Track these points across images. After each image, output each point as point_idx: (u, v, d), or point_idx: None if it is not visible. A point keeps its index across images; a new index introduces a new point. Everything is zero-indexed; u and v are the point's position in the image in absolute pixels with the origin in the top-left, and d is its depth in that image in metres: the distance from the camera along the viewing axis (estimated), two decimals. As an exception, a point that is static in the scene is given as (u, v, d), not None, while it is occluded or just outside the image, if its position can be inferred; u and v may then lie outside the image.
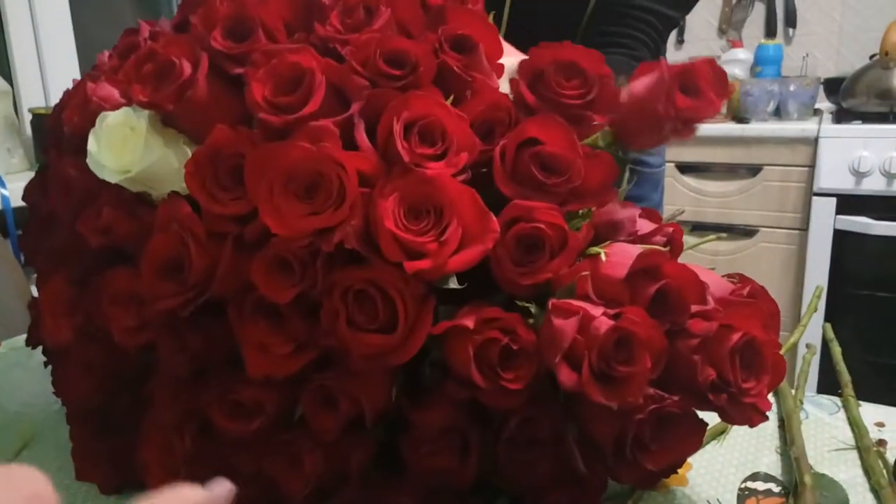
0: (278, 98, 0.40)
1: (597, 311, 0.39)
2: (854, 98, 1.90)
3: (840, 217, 1.84)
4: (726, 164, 2.04)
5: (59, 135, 0.56)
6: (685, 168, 2.12)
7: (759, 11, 2.54)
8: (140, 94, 0.45)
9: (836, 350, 0.72)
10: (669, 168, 2.09)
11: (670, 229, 0.48)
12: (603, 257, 0.42)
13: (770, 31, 2.49)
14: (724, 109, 2.29)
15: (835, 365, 0.70)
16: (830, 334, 0.76)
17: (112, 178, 0.46)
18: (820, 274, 1.87)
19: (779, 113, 2.08)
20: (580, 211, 0.45)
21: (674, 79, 0.43)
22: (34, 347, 0.57)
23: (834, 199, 1.84)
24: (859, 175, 1.79)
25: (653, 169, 1.26)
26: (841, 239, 1.84)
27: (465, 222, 0.39)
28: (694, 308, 0.42)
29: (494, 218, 0.39)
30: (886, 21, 2.03)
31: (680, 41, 2.67)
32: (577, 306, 0.39)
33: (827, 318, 1.91)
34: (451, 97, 0.44)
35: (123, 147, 0.47)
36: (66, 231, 0.52)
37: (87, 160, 0.48)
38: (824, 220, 1.86)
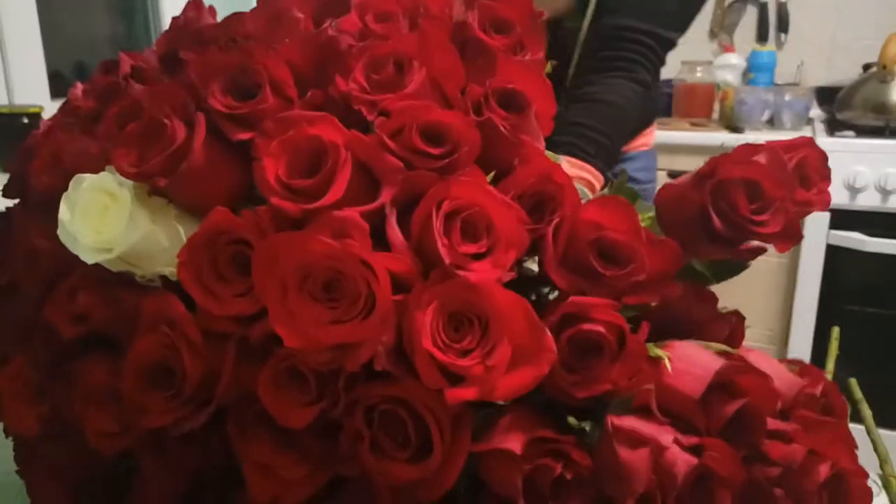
0: (295, 180, 0.34)
1: (666, 437, 0.34)
2: (850, 110, 1.87)
3: (833, 232, 1.81)
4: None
5: (23, 188, 0.49)
6: (677, 177, 2.08)
7: (751, 15, 2.50)
8: (124, 161, 0.38)
9: (868, 414, 0.68)
10: (661, 176, 2.05)
11: (733, 318, 0.43)
12: (667, 364, 0.36)
13: (762, 36, 2.45)
14: (716, 116, 2.25)
15: (867, 433, 0.65)
16: (859, 394, 0.71)
17: (89, 258, 0.39)
18: (811, 289, 1.85)
19: (772, 122, 2.05)
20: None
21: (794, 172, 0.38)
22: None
23: (828, 214, 1.81)
24: (854, 190, 1.77)
25: (642, 185, 1.21)
26: (833, 254, 1.81)
27: (516, 338, 0.33)
28: (770, 423, 0.37)
29: (549, 334, 0.33)
30: (880, 30, 2.00)
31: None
32: (644, 433, 0.34)
33: (816, 334, 1.89)
34: (493, 174, 0.38)
35: (102, 218, 0.40)
36: (30, 306, 0.44)
37: (59, 231, 0.41)
38: (817, 234, 1.83)
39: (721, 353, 0.39)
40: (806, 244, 1.87)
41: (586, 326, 0.35)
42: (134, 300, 0.39)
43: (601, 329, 0.35)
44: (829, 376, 0.72)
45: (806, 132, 1.98)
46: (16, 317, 0.48)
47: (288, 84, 0.40)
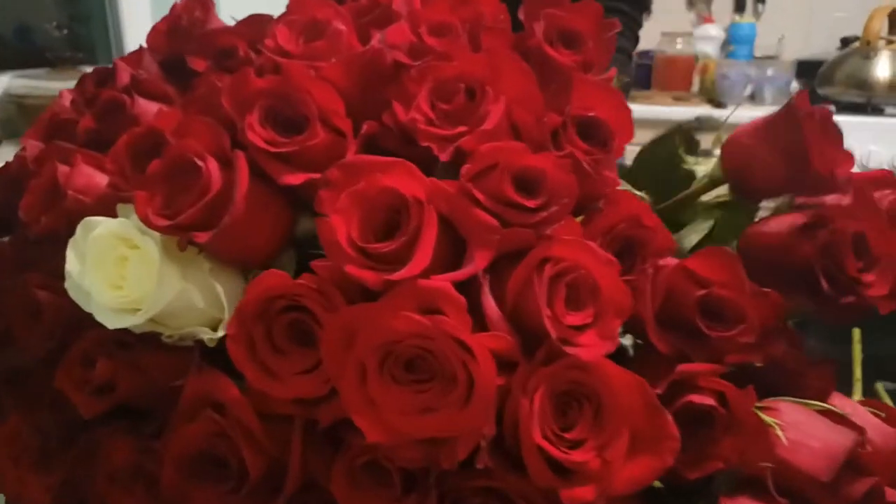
0: (372, 244, 0.28)
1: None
2: (831, 86, 1.86)
3: (814, 209, 1.82)
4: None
5: (9, 224, 0.42)
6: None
7: (728, -16, 2.46)
8: (148, 208, 0.32)
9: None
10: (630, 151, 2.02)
11: (825, 367, 0.40)
12: (780, 435, 0.33)
13: (739, 6, 2.42)
14: (695, 89, 2.23)
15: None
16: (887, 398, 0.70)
17: (110, 321, 0.33)
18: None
19: (753, 97, 2.03)
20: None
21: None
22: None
23: (810, 191, 1.81)
24: (836, 167, 1.77)
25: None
26: (814, 231, 1.82)
27: (633, 424, 0.29)
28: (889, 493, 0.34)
29: (670, 417, 0.29)
30: (858, 3, 1.99)
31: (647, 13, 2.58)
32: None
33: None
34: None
35: (120, 272, 0.34)
36: (31, 364, 0.38)
37: (67, 284, 0.35)
38: (798, 211, 1.84)
39: (822, 412, 0.36)
40: (787, 221, 1.87)
41: (696, 399, 0.31)
42: (165, 369, 0.34)
43: (712, 402, 0.31)
44: (857, 384, 0.70)
45: (786, 107, 1.97)
46: (8, 372, 0.42)
47: (338, 114, 0.34)
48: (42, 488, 0.38)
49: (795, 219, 0.38)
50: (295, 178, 0.32)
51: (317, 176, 0.32)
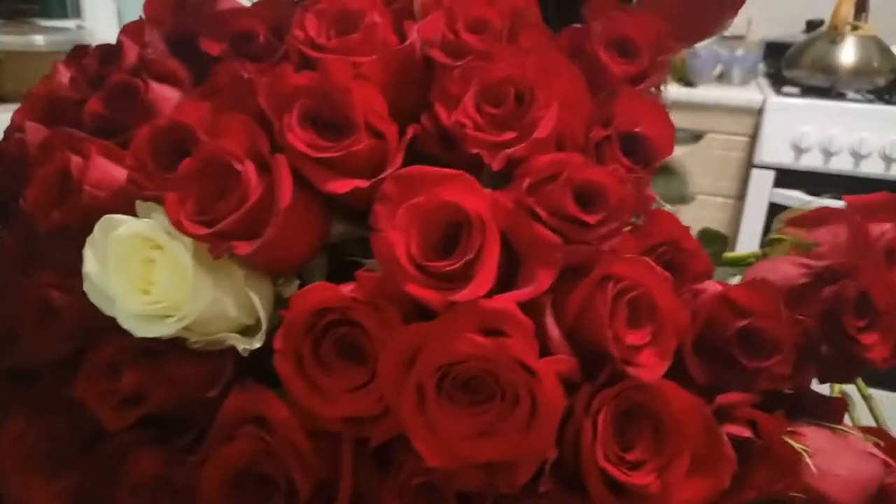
0: (433, 262, 0.27)
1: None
2: (798, 69, 1.89)
3: (776, 190, 1.86)
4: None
5: (10, 215, 0.39)
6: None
7: (698, -39, 2.46)
8: (181, 213, 0.30)
9: (880, 413, 0.69)
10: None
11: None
12: (810, 464, 0.33)
13: (708, -16, 2.43)
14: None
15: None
16: (866, 390, 0.72)
17: (138, 330, 0.31)
18: (752, 244, 1.91)
19: (721, 77, 2.05)
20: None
21: None
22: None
23: (773, 172, 1.85)
24: (799, 150, 1.81)
25: None
26: (775, 211, 1.86)
27: (692, 446, 0.29)
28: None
29: (726, 439, 0.29)
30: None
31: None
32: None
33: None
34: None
35: (146, 276, 0.32)
36: (41, 366, 0.36)
37: (85, 287, 0.33)
38: (761, 191, 1.88)
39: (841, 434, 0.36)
40: (749, 201, 1.91)
41: (734, 430, 0.31)
42: (195, 379, 0.32)
43: (749, 433, 0.31)
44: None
45: (753, 88, 2.00)
46: (11, 372, 0.39)
47: (382, 116, 0.33)
48: (50, 495, 0.36)
49: (794, 274, 0.37)
50: (340, 186, 0.31)
51: (363, 184, 0.31)
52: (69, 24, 1.58)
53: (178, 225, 0.30)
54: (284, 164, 0.30)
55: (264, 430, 0.29)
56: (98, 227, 0.33)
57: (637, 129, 0.35)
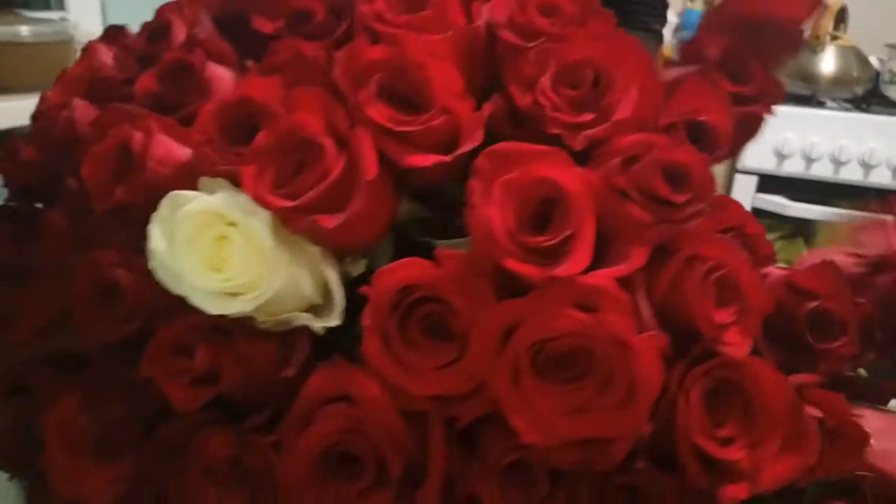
0: (530, 238, 0.27)
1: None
2: (779, 77, 1.93)
3: (759, 195, 1.90)
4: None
5: (52, 191, 0.38)
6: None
7: (680, -30, 2.51)
8: (261, 187, 0.30)
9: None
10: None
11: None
12: (874, 444, 0.34)
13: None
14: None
15: None
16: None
17: (213, 307, 0.31)
18: (734, 248, 1.94)
19: (704, 83, 2.09)
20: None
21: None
22: None
23: (755, 178, 1.89)
24: (781, 156, 1.85)
25: None
26: (757, 216, 1.90)
27: (780, 422, 0.29)
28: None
29: (812, 417, 0.29)
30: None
31: None
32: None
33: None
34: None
35: (219, 253, 0.31)
36: (95, 349, 0.35)
37: (152, 264, 0.32)
38: (744, 196, 1.91)
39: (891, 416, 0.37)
40: (732, 205, 1.94)
41: (808, 410, 0.31)
42: (268, 358, 0.31)
43: (819, 413, 0.32)
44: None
45: (735, 95, 2.04)
46: (60, 356, 0.38)
47: (457, 92, 0.32)
48: (105, 480, 0.35)
49: (848, 263, 0.38)
50: (422, 160, 0.30)
51: (445, 158, 0.31)
52: (52, 15, 1.55)
53: (260, 198, 0.29)
54: (367, 136, 0.30)
55: (352, 409, 0.28)
56: (165, 204, 0.32)
57: (702, 118, 0.35)
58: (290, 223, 0.30)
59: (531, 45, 0.34)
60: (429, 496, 0.28)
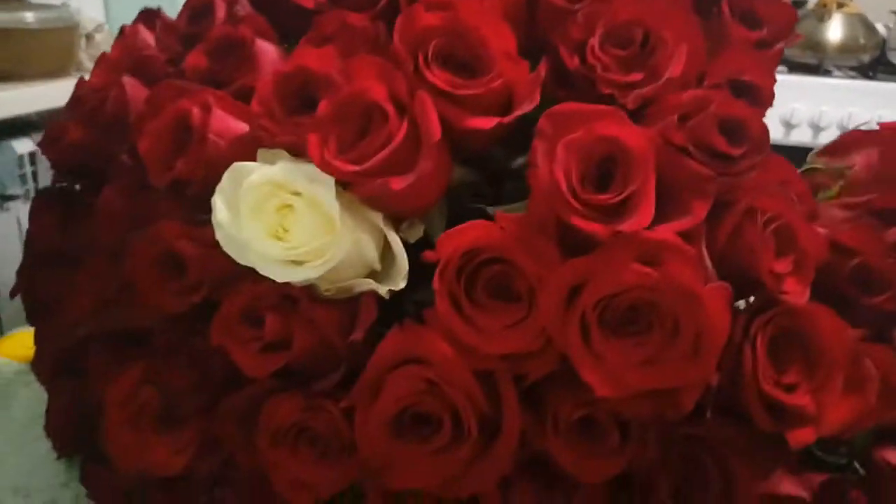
0: (593, 195, 0.28)
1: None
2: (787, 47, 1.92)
3: (768, 166, 1.90)
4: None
5: (100, 170, 0.39)
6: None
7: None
8: (327, 153, 0.30)
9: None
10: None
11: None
12: None
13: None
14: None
15: None
16: None
17: (281, 274, 0.31)
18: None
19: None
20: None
21: None
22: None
23: (764, 149, 1.89)
24: (790, 126, 1.85)
25: None
26: (766, 187, 1.91)
27: (841, 367, 0.30)
28: None
29: (868, 360, 0.30)
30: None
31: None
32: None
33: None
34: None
35: (283, 222, 0.32)
36: (158, 322, 0.36)
37: (218, 235, 0.32)
38: (752, 168, 1.91)
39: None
40: (741, 177, 1.94)
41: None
42: (336, 323, 0.32)
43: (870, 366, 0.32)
44: None
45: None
46: (119, 332, 0.39)
47: (511, 56, 0.33)
48: (170, 451, 0.36)
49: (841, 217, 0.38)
50: (484, 123, 0.31)
51: (505, 120, 0.31)
52: (55, 1, 1.54)
53: (326, 165, 0.30)
54: (428, 100, 0.30)
55: (426, 370, 0.29)
56: (227, 176, 0.33)
57: (745, 77, 0.35)
58: (357, 187, 0.30)
59: (576, 6, 0.35)
60: (504, 452, 0.29)
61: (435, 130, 0.30)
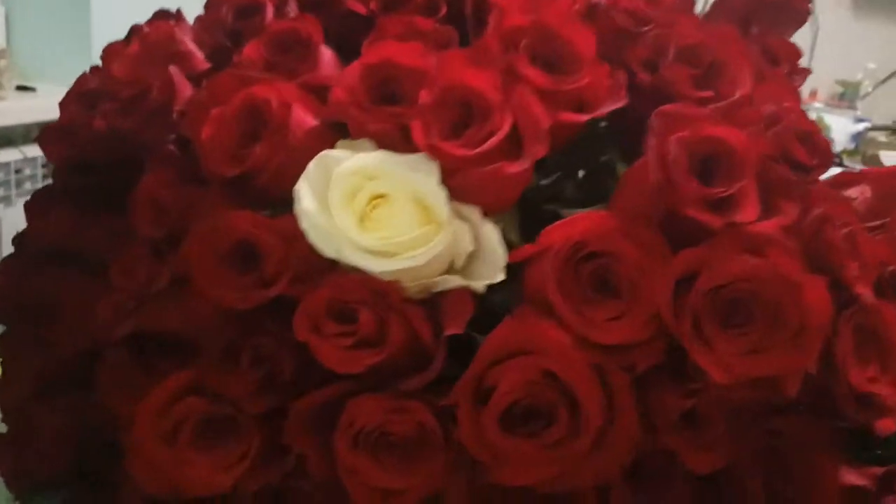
0: (704, 188, 0.29)
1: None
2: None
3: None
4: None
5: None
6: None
7: None
8: (435, 141, 0.30)
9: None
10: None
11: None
12: None
13: None
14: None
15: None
16: None
17: (377, 266, 0.30)
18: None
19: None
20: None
21: None
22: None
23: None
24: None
25: None
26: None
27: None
28: None
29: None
30: None
31: None
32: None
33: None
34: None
35: (376, 212, 0.31)
36: (216, 320, 0.33)
37: (304, 224, 0.31)
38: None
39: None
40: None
41: None
42: (424, 318, 0.31)
43: None
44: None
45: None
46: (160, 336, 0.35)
47: (594, 59, 0.34)
48: (215, 467, 0.33)
49: None
50: (577, 117, 0.32)
51: (600, 114, 0.33)
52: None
53: (434, 149, 0.30)
54: (530, 91, 0.31)
55: (541, 360, 0.28)
56: (315, 164, 0.32)
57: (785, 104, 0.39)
58: (467, 173, 0.30)
59: (643, 29, 0.37)
60: (623, 441, 0.28)
61: (544, 118, 0.30)
